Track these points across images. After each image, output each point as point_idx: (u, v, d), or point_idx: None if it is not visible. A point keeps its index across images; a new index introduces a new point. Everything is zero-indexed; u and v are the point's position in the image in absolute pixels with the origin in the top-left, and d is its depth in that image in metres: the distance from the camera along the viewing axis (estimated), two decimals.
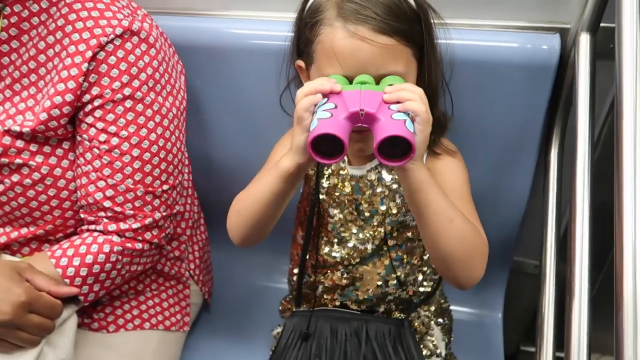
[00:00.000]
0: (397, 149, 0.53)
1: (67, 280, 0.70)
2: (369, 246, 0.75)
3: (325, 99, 0.57)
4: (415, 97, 0.56)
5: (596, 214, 0.65)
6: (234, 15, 0.89)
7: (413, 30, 0.64)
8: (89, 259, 0.70)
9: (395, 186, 0.72)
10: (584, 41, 0.71)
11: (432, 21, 0.67)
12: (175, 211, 0.79)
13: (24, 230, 0.75)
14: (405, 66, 0.63)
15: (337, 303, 0.81)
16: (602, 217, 0.64)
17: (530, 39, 0.76)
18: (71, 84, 0.66)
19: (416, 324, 0.82)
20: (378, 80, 0.62)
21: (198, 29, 0.89)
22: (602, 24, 0.71)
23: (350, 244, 0.76)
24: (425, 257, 0.79)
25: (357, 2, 0.62)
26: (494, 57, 0.77)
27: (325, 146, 0.54)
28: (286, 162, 0.61)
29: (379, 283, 0.77)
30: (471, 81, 0.78)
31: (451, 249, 0.61)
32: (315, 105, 0.57)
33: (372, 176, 0.73)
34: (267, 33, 0.86)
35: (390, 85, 0.58)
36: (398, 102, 0.56)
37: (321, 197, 0.76)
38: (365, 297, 0.79)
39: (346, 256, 0.77)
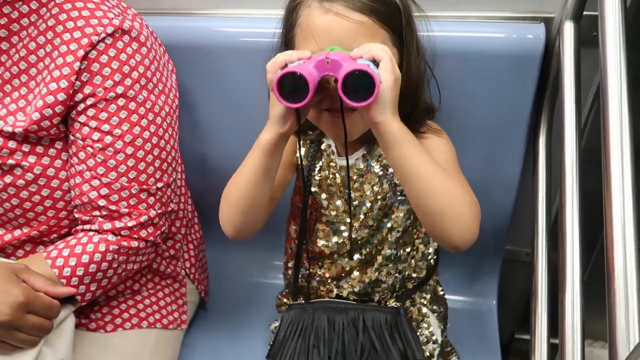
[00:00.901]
0: (363, 95, 0.55)
1: (64, 281, 0.70)
2: (362, 234, 0.76)
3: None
4: (379, 48, 0.57)
5: (585, 200, 0.66)
6: (223, 14, 0.89)
7: (391, 14, 0.65)
8: (85, 258, 0.70)
9: (382, 172, 0.73)
10: (568, 30, 0.72)
11: (412, 12, 0.68)
12: (170, 209, 0.79)
13: (17, 232, 0.75)
14: (381, 43, 0.63)
15: (333, 294, 0.82)
16: (591, 203, 0.65)
17: (516, 29, 0.77)
18: (63, 83, 0.66)
19: (412, 311, 0.83)
20: None
21: (188, 28, 0.89)
22: (585, 13, 0.73)
23: (345, 234, 0.77)
24: (418, 243, 0.80)
25: None
26: (480, 48, 0.78)
27: (294, 98, 0.55)
28: (266, 135, 0.62)
29: (373, 271, 0.78)
30: (458, 73, 0.79)
31: (438, 204, 0.60)
32: None
33: (361, 164, 0.74)
34: (256, 31, 0.87)
35: None
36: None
37: (313, 189, 0.76)
38: (360, 286, 0.79)
39: (341, 246, 0.78)
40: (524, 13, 0.77)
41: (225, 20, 0.89)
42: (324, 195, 0.76)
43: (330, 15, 0.63)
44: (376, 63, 0.58)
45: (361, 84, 0.54)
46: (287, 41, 0.70)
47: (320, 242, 0.79)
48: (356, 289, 0.80)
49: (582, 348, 0.58)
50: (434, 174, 0.59)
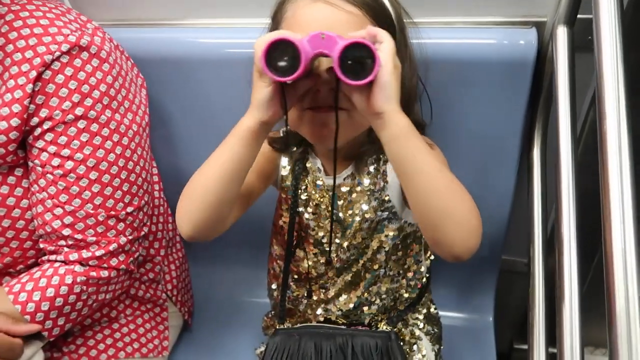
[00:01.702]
0: (362, 74, 0.50)
1: (28, 317, 0.65)
2: (350, 254, 0.72)
3: None
4: (382, 31, 0.52)
5: (582, 207, 0.63)
6: (195, 24, 0.85)
7: (383, 11, 0.62)
8: (50, 292, 0.66)
9: (372, 187, 0.69)
10: (562, 34, 0.68)
11: (404, 19, 0.65)
12: (143, 233, 0.75)
13: None
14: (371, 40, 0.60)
15: (321, 318, 0.78)
16: (588, 210, 0.62)
17: (507, 34, 0.73)
18: (16, 108, 0.62)
19: (404, 333, 0.79)
20: None
21: (159, 39, 0.86)
22: (578, 16, 0.69)
23: (332, 255, 0.73)
24: (409, 263, 0.76)
25: None
26: (469, 55, 0.74)
27: (283, 72, 0.50)
28: (247, 121, 0.56)
29: (362, 292, 0.74)
30: (448, 81, 0.75)
31: (442, 205, 0.53)
32: None
33: (349, 182, 0.69)
34: (230, 41, 0.83)
35: None
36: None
37: (299, 209, 0.72)
38: (349, 308, 0.75)
39: (329, 267, 0.73)
40: (514, 17, 0.73)
41: (197, 30, 0.85)
42: (310, 216, 0.72)
43: (319, 3, 0.59)
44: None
45: (359, 61, 0.49)
46: None
47: (307, 264, 0.74)
48: (345, 311, 0.76)
49: (581, 358, 0.57)
50: (440, 171, 0.54)
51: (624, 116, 0.50)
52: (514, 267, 1.07)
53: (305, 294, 0.77)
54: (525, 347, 1.11)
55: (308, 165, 0.72)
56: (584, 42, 0.71)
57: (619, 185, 0.47)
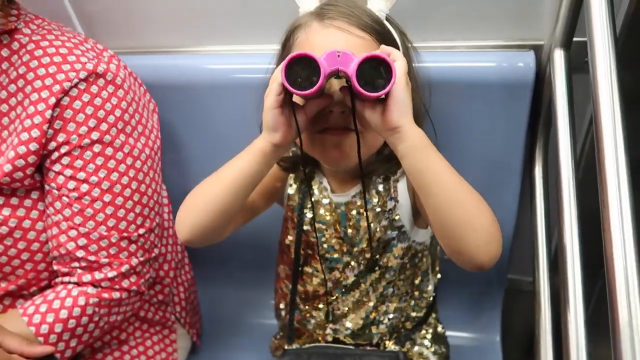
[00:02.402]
0: (378, 87, 0.51)
1: (41, 339, 0.66)
2: (359, 272, 0.73)
3: None
4: (396, 50, 0.55)
5: (585, 226, 0.64)
6: (204, 51, 0.88)
7: (390, 39, 0.64)
8: (64, 314, 0.67)
9: (378, 209, 0.70)
10: (558, 57, 0.71)
11: (408, 45, 0.67)
12: (154, 255, 0.76)
13: None
14: None
15: (330, 338, 0.78)
16: (591, 228, 0.62)
17: (506, 57, 0.75)
18: (35, 133, 0.64)
19: (413, 353, 0.79)
20: None
21: (169, 66, 0.88)
22: (575, 39, 0.71)
23: (338, 274, 0.73)
24: (417, 282, 0.77)
25: (335, 4, 0.63)
26: (471, 78, 0.76)
27: (301, 87, 0.52)
28: (261, 143, 0.58)
29: (370, 311, 0.75)
30: (448, 104, 0.77)
31: (465, 213, 0.53)
32: None
33: (358, 201, 0.71)
34: (241, 67, 0.85)
35: None
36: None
37: (305, 227, 0.73)
38: (357, 327, 0.76)
39: (336, 286, 0.74)
40: (512, 41, 0.75)
41: (206, 57, 0.88)
42: (317, 234, 0.73)
43: (331, 29, 0.61)
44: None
45: (375, 75, 0.51)
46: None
47: (315, 282, 0.75)
48: (353, 330, 0.76)
49: None
50: (459, 180, 0.54)
51: (620, 135, 0.51)
52: (519, 286, 1.07)
53: (323, 316, 0.77)
54: None
55: (314, 184, 0.73)
56: (580, 64, 0.73)
57: (617, 202, 0.48)
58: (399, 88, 0.53)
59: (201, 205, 0.61)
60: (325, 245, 0.73)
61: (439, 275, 0.80)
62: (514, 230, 0.90)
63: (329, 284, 0.74)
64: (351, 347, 0.77)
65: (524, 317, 1.10)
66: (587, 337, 0.58)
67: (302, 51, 0.51)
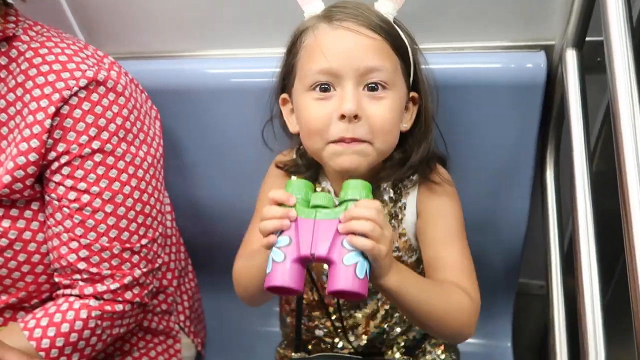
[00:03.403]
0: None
1: (43, 353, 0.64)
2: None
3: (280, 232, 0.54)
4: (367, 228, 0.51)
5: (598, 226, 0.63)
6: (208, 56, 0.86)
7: (400, 41, 0.62)
8: (65, 327, 0.65)
9: (388, 216, 0.69)
10: (571, 57, 0.69)
11: (416, 47, 0.66)
12: (157, 265, 0.74)
13: None
14: (392, 67, 0.61)
15: (339, 346, 0.76)
16: (605, 228, 0.62)
17: (515, 58, 0.74)
18: (34, 143, 0.62)
19: None
20: (362, 80, 0.59)
21: (173, 71, 0.87)
22: (587, 38, 0.69)
23: None
24: None
25: (343, 6, 0.62)
26: (480, 80, 0.75)
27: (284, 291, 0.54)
28: None
29: (380, 321, 0.73)
30: (457, 107, 0.75)
31: (435, 330, 0.61)
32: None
33: None
34: (243, 71, 0.84)
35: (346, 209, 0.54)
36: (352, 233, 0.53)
37: None
38: (367, 337, 0.74)
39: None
40: (522, 41, 0.74)
41: (207, 61, 0.86)
42: None
43: (341, 30, 0.60)
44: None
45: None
46: (289, 69, 0.66)
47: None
48: (362, 342, 0.74)
49: None
50: (430, 311, 0.58)
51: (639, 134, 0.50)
52: (529, 289, 1.06)
53: (331, 327, 0.76)
54: None
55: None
56: (593, 64, 0.71)
57: (639, 202, 0.46)
58: (379, 263, 0.53)
59: (251, 296, 0.67)
60: None
61: None
62: (525, 234, 0.88)
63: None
64: (359, 357, 0.75)
65: (535, 321, 1.08)
66: (605, 339, 0.57)
67: (276, 282, 0.52)
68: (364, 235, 0.51)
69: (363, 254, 0.52)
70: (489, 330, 0.96)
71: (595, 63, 0.72)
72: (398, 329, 0.75)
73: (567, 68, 0.69)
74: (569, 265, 0.67)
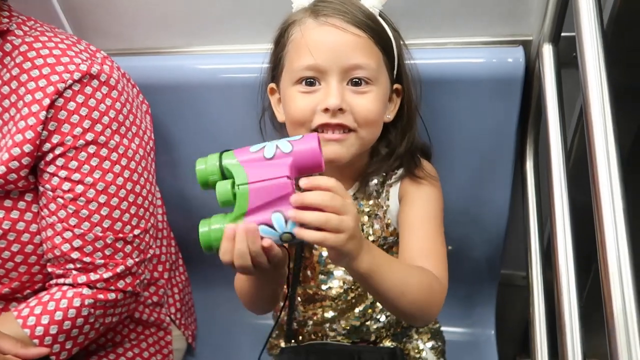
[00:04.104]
0: None
1: (36, 341, 0.65)
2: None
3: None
4: (320, 220, 0.47)
5: (577, 218, 0.65)
6: (197, 51, 0.88)
7: (384, 36, 0.64)
8: (59, 315, 0.66)
9: (374, 210, 0.71)
10: (547, 52, 0.72)
11: (401, 42, 0.68)
12: (149, 255, 0.76)
13: None
14: (376, 64, 0.63)
15: (331, 334, 0.78)
16: (582, 222, 0.63)
17: (495, 53, 0.76)
18: (29, 134, 0.63)
19: (409, 348, 0.79)
20: (347, 75, 0.61)
21: (163, 67, 0.88)
22: (563, 34, 0.72)
23: (337, 274, 0.74)
24: None
25: (329, 0, 0.63)
26: (460, 74, 0.77)
27: None
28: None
29: (367, 308, 0.75)
30: (439, 101, 0.77)
31: (405, 312, 0.59)
32: None
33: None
34: (233, 66, 0.85)
35: None
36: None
37: None
38: (356, 324, 0.76)
39: (335, 288, 0.74)
40: (501, 37, 0.76)
41: (197, 57, 0.87)
42: None
43: (327, 26, 0.62)
44: None
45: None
46: (277, 61, 0.68)
47: (313, 284, 0.75)
48: (350, 328, 0.76)
49: None
50: (403, 293, 0.57)
51: (610, 128, 0.52)
52: (512, 280, 1.07)
53: (322, 317, 0.77)
54: None
55: None
56: (569, 59, 0.74)
57: (609, 195, 0.48)
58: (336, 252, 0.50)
59: (251, 303, 0.68)
60: (320, 247, 0.73)
61: None
62: (506, 225, 0.91)
63: (329, 287, 0.74)
64: (348, 344, 0.77)
65: (518, 311, 1.10)
66: (581, 328, 0.59)
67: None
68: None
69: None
70: (473, 319, 0.99)
71: (571, 58, 0.74)
72: (384, 317, 0.76)
73: (544, 62, 0.71)
74: (549, 257, 0.67)
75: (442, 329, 0.85)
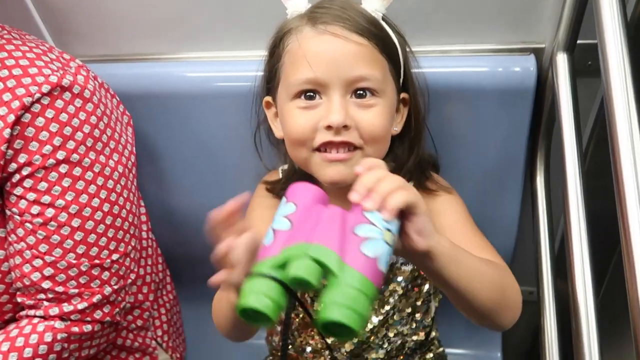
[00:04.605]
0: None
1: None
2: None
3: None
4: (395, 184, 0.42)
5: (590, 228, 0.61)
6: (184, 58, 0.83)
7: (389, 42, 0.59)
8: (28, 352, 0.61)
9: None
10: (562, 61, 0.67)
11: (407, 48, 0.64)
12: (130, 280, 0.70)
13: None
14: (381, 74, 0.58)
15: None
16: (596, 231, 0.61)
17: (505, 61, 0.71)
18: None
19: None
20: (350, 88, 0.56)
21: (146, 74, 0.83)
22: (578, 41, 0.67)
23: None
24: (419, 303, 0.72)
25: (328, 6, 0.58)
26: (468, 84, 0.72)
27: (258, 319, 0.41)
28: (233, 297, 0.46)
29: (370, 335, 0.70)
30: (447, 111, 0.73)
31: (496, 304, 0.51)
32: None
33: None
34: (223, 74, 0.81)
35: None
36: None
37: None
38: (357, 351, 0.71)
39: None
40: (511, 44, 0.71)
41: (185, 64, 0.82)
42: None
43: (327, 36, 0.56)
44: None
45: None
46: (272, 73, 0.62)
47: (315, 309, 0.70)
48: (351, 355, 0.71)
49: None
50: (486, 274, 0.50)
51: (638, 138, 0.47)
52: None
53: (320, 344, 0.72)
54: None
55: None
56: (583, 67, 0.69)
57: (637, 208, 0.44)
58: (423, 214, 0.43)
59: (229, 332, 0.60)
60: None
61: (441, 296, 0.76)
62: (515, 241, 0.87)
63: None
64: None
65: (525, 327, 1.06)
66: (599, 343, 0.55)
67: (251, 303, 0.39)
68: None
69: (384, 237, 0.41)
70: (478, 340, 0.95)
71: (585, 67, 0.70)
72: (387, 344, 0.72)
73: (558, 72, 0.66)
74: (559, 271, 0.66)
75: (447, 351, 0.81)
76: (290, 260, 0.40)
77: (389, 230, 0.41)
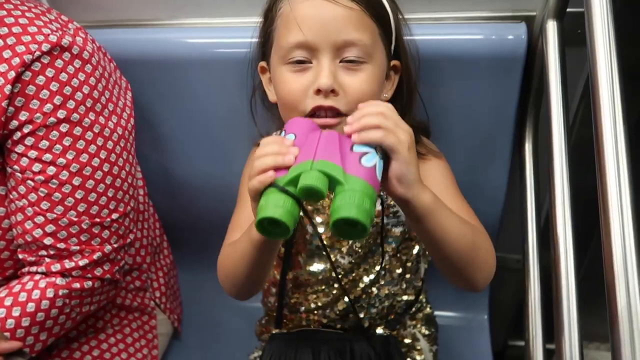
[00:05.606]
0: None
1: (8, 334, 0.62)
2: (352, 259, 0.70)
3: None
4: (375, 120, 0.47)
5: (575, 199, 0.64)
6: (181, 24, 0.83)
7: (380, 8, 0.60)
8: (31, 307, 0.63)
9: None
10: (551, 28, 0.68)
11: (399, 15, 0.64)
12: (129, 240, 0.72)
13: None
14: (371, 38, 0.59)
15: (324, 321, 0.75)
16: (581, 202, 0.63)
17: (496, 29, 0.72)
18: None
19: (403, 335, 0.78)
20: (339, 53, 0.58)
21: (144, 40, 0.83)
22: (568, 9, 0.68)
23: (333, 258, 0.71)
24: (409, 265, 0.74)
25: None
26: (459, 51, 0.73)
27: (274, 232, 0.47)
28: (255, 232, 0.53)
29: (361, 294, 0.73)
30: (435, 78, 0.73)
31: (469, 259, 0.55)
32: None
33: None
34: (219, 41, 0.81)
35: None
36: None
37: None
38: (348, 310, 0.73)
39: (329, 272, 0.71)
40: (503, 12, 0.72)
41: (184, 30, 0.82)
42: (311, 220, 0.70)
43: (317, 0, 0.57)
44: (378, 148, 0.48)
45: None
46: (266, 37, 0.64)
47: (308, 269, 0.72)
48: (343, 315, 0.74)
49: (580, 352, 0.57)
50: (464, 232, 0.54)
51: (619, 109, 0.49)
52: (505, 263, 1.06)
53: (318, 303, 0.74)
54: (520, 343, 1.11)
55: None
56: (573, 36, 0.70)
57: (615, 178, 0.47)
58: (406, 168, 0.48)
59: (234, 284, 0.63)
60: (321, 232, 0.70)
61: (429, 258, 0.78)
62: (502, 208, 0.89)
63: (321, 272, 0.71)
64: (340, 332, 0.75)
65: (511, 295, 1.10)
66: (578, 311, 0.58)
67: (269, 213, 0.45)
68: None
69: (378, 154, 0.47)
70: (466, 303, 0.97)
71: (575, 35, 0.71)
72: (378, 303, 0.74)
73: (548, 39, 0.68)
74: (545, 240, 0.67)
75: (436, 313, 0.84)
76: (299, 174, 0.46)
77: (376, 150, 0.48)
